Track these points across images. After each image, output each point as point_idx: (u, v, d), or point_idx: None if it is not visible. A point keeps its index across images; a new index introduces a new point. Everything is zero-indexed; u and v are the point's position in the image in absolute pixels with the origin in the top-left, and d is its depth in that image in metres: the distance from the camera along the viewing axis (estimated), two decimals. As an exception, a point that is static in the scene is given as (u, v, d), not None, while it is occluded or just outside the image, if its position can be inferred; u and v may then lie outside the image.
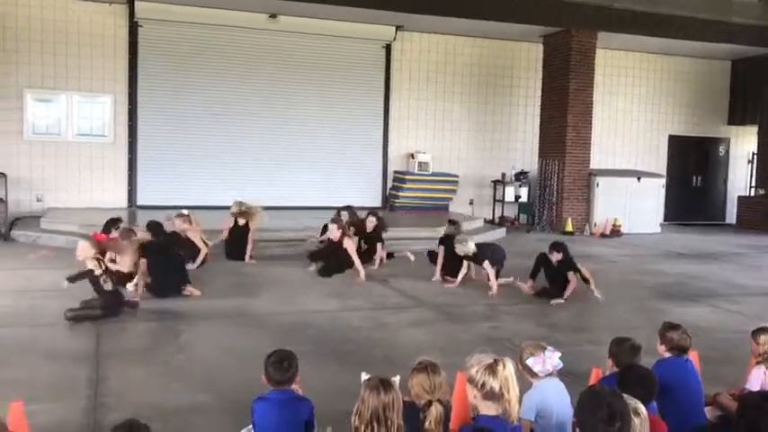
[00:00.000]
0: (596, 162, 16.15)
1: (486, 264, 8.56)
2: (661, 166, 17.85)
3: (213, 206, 12.70)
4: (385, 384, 3.05)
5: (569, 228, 14.93)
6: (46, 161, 13.46)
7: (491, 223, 15.40)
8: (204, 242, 9.55)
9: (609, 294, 8.98)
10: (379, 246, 10.11)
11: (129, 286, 7.67)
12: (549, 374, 3.66)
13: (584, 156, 15.23)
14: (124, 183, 13.97)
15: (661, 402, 3.70)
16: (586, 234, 15.00)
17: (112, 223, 8.84)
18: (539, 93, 15.86)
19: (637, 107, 17.79)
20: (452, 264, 8.94)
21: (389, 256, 10.36)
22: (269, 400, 3.54)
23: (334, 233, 9.35)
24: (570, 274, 8.10)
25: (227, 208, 10.43)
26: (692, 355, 4.33)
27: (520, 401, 3.31)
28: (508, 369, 3.19)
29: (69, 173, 13.60)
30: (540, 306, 7.97)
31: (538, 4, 14.03)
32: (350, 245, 9.30)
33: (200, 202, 13.10)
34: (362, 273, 9.11)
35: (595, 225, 15.17)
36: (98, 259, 6.74)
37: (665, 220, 16.73)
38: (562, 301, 7.98)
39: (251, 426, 3.62)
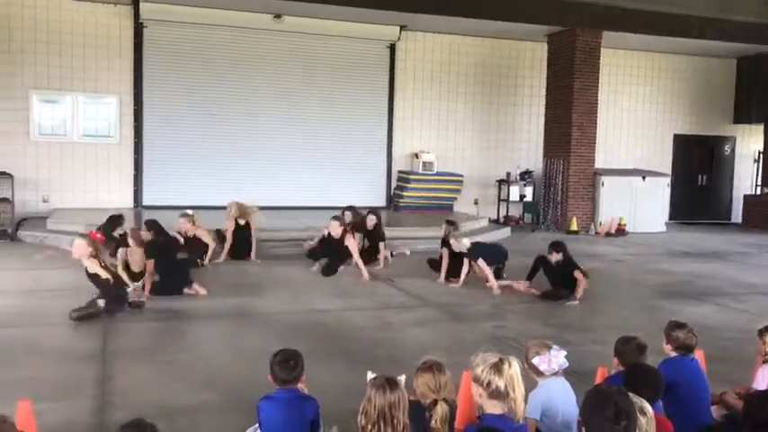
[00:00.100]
0: (601, 161, 16.12)
1: (481, 262, 8.56)
2: (666, 165, 17.80)
3: (219, 206, 12.66)
4: (391, 383, 3.05)
5: (574, 227, 14.91)
6: (52, 162, 13.50)
7: (496, 223, 15.38)
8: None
9: (614, 293, 8.99)
10: (381, 245, 10.10)
11: (136, 285, 7.71)
12: (555, 373, 3.67)
13: (589, 155, 15.21)
14: (130, 183, 14.01)
15: (667, 401, 3.70)
16: (591, 233, 14.98)
17: (115, 221, 8.83)
18: (543, 92, 15.85)
19: (642, 106, 17.75)
20: (456, 265, 8.94)
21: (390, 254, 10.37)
22: (275, 400, 3.55)
23: (335, 229, 9.35)
24: (576, 273, 8.07)
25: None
26: (698, 354, 4.33)
27: (525, 400, 3.31)
28: (513, 368, 3.19)
29: (75, 173, 13.64)
30: (545, 305, 7.96)
31: (542, 4, 13.96)
32: (351, 242, 9.31)
33: (206, 202, 13.11)
34: (365, 272, 9.12)
35: (600, 224, 15.15)
36: (96, 257, 6.73)
37: (670, 220, 16.70)
38: (576, 302, 7.95)
39: (257, 425, 3.63)
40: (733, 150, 18.77)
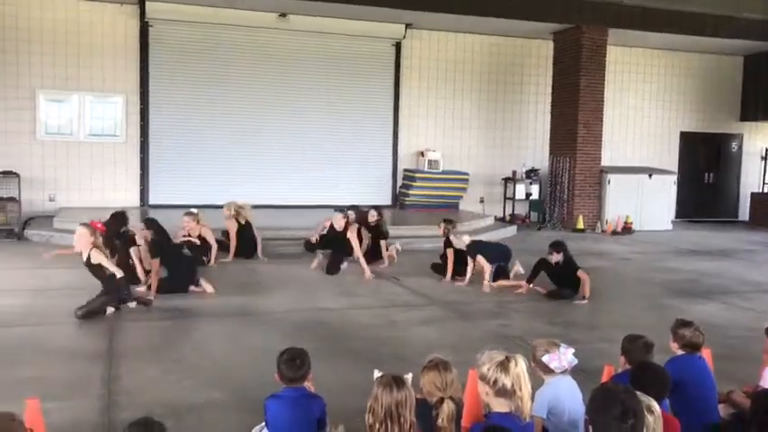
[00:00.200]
0: (607, 159, 16.08)
1: (480, 258, 8.55)
2: (673, 162, 17.74)
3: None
4: (398, 381, 3.06)
5: (580, 225, 14.88)
6: (58, 161, 13.55)
7: (502, 221, 15.37)
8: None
9: (621, 292, 8.97)
10: (383, 242, 10.06)
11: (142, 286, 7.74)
12: (564, 371, 3.66)
13: (596, 153, 15.17)
14: (136, 182, 14.05)
15: (674, 400, 3.69)
16: (598, 231, 14.94)
17: (121, 219, 8.72)
18: (549, 90, 15.81)
19: (648, 104, 17.70)
20: (461, 264, 8.92)
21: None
22: (281, 398, 3.56)
23: (338, 222, 9.34)
24: (580, 272, 8.06)
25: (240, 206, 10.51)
26: (705, 353, 4.31)
27: (532, 399, 3.31)
28: (520, 366, 3.19)
29: (81, 172, 13.69)
30: (551, 304, 7.95)
31: (548, 2, 13.99)
32: (353, 236, 9.30)
33: (212, 201, 13.12)
34: (368, 270, 9.12)
35: (607, 222, 15.11)
36: (99, 247, 6.70)
37: (676, 218, 16.66)
38: (585, 301, 7.92)
39: (264, 423, 3.64)
40: (740, 148, 18.69)
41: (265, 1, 13.45)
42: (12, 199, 12.22)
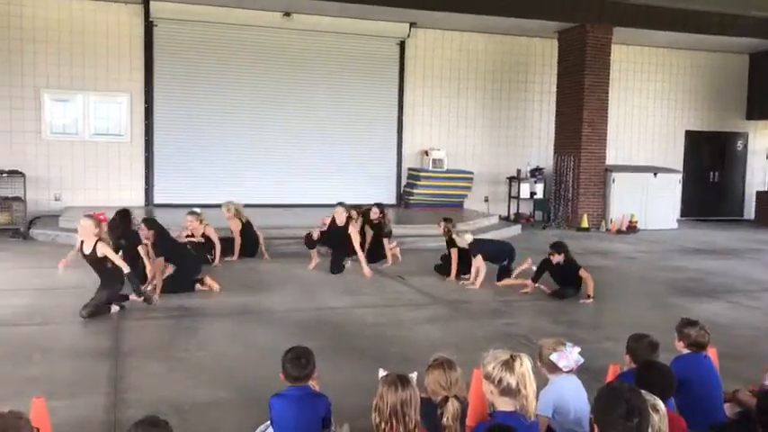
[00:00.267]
0: (612, 158, 16.04)
1: (479, 258, 8.54)
2: (678, 161, 17.70)
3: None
4: (402, 380, 3.06)
5: (585, 224, 14.86)
6: (63, 160, 13.59)
7: (506, 220, 15.35)
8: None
9: (626, 291, 8.95)
10: (385, 241, 10.03)
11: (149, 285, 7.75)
12: (570, 370, 3.66)
13: (600, 151, 15.14)
14: (141, 181, 14.09)
15: (679, 398, 3.69)
16: (602, 230, 14.92)
17: (128, 217, 8.70)
18: (554, 89, 15.79)
19: (653, 102, 17.66)
20: (464, 263, 8.91)
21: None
22: (286, 397, 3.56)
23: (340, 216, 9.33)
24: (582, 272, 8.04)
25: (245, 206, 10.52)
26: (711, 352, 4.30)
27: (537, 398, 3.31)
28: (525, 365, 3.19)
29: (87, 172, 13.73)
30: (555, 303, 7.93)
31: (563, 1, 13.92)
32: (354, 231, 9.30)
33: (217, 200, 13.09)
34: (366, 267, 9.14)
35: (611, 221, 15.09)
36: (103, 240, 6.66)
37: (681, 216, 16.61)
38: (590, 300, 7.89)
39: (269, 422, 3.64)
40: (745, 146, 18.64)
41: (270, 0, 13.46)
42: (17, 198, 12.27)
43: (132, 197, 13.81)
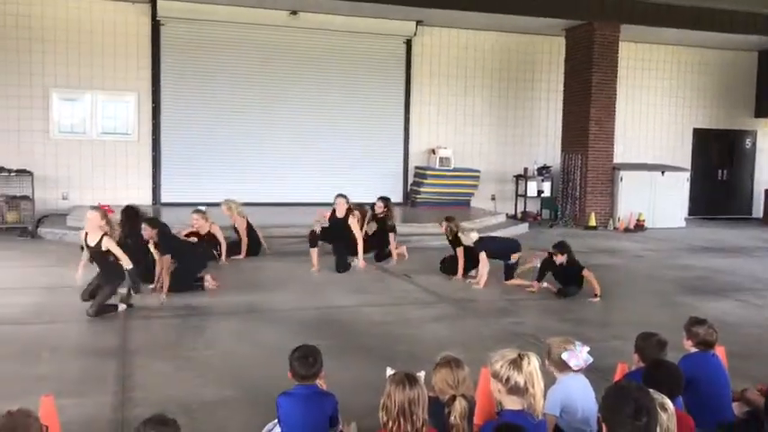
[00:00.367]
0: (620, 156, 15.99)
1: (482, 255, 8.52)
2: (686, 159, 17.61)
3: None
4: (410, 379, 3.05)
5: (593, 222, 14.82)
6: (71, 159, 13.64)
7: (513, 218, 15.32)
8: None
9: (634, 289, 8.92)
10: (391, 236, 10.00)
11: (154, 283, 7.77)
12: (580, 369, 3.65)
13: (608, 150, 15.08)
14: (148, 180, 14.13)
15: (688, 397, 3.67)
16: (610, 229, 14.87)
17: (135, 217, 8.69)
18: (561, 87, 15.74)
19: (660, 100, 17.58)
20: (471, 261, 8.89)
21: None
22: (294, 396, 3.57)
23: (340, 207, 9.30)
24: (585, 272, 8.01)
25: (251, 204, 10.56)
26: (719, 351, 4.28)
27: (544, 396, 3.30)
28: (533, 364, 3.18)
29: (94, 171, 13.78)
30: (562, 301, 7.91)
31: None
32: (354, 222, 9.28)
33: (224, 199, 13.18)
34: (362, 259, 9.14)
35: (619, 219, 15.04)
36: (108, 233, 6.65)
37: (689, 215, 16.53)
38: (597, 299, 7.84)
39: (276, 420, 3.65)
40: (754, 144, 18.54)
41: (276, -1, 13.49)
42: (25, 197, 12.33)
43: (140, 196, 13.83)
